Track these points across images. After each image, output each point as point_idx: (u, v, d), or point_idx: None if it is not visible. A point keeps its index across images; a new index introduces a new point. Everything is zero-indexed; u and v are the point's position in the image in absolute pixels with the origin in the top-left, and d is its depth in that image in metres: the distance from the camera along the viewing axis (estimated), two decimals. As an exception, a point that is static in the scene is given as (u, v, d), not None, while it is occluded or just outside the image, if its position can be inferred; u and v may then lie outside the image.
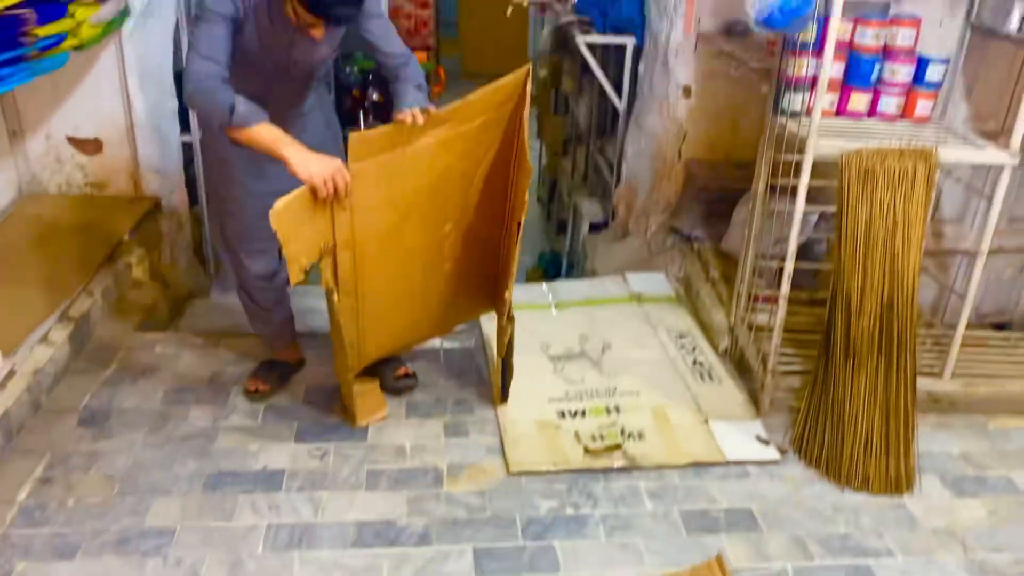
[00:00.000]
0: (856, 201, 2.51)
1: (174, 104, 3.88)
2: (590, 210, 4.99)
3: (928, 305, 3.46)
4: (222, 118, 2.23)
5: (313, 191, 2.24)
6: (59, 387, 2.93)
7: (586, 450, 2.71)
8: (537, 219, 7.56)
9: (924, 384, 2.88)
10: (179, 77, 3.90)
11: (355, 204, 2.38)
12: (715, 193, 3.85)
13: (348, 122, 7.10)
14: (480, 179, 2.66)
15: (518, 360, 2.90)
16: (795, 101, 2.72)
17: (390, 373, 2.98)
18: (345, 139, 2.53)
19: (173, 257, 3.89)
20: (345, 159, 2.32)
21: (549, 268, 5.86)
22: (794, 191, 2.71)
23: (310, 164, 2.23)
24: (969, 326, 2.91)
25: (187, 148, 4.08)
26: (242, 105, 2.22)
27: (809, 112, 2.63)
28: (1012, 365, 3.08)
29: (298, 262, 2.31)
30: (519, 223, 2.65)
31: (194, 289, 4.08)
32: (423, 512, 2.45)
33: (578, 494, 2.55)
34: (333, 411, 2.89)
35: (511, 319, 2.76)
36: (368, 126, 7.66)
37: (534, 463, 2.66)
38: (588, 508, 2.50)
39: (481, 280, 2.96)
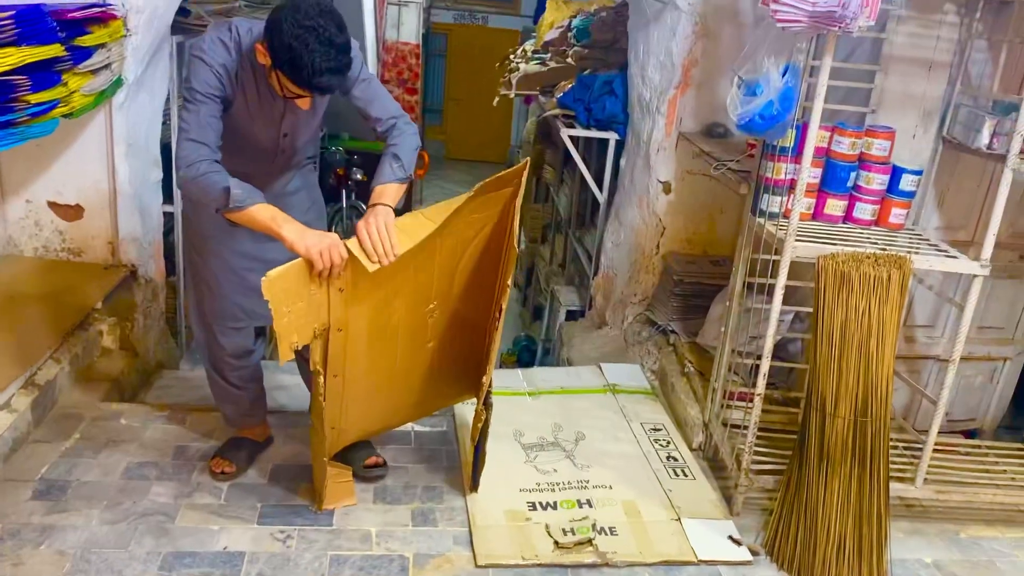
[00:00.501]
0: (832, 304, 2.55)
1: (158, 175, 3.89)
2: (567, 298, 5.03)
3: (900, 410, 3.48)
4: (218, 201, 2.24)
5: (309, 264, 2.23)
6: (16, 456, 2.84)
7: (556, 544, 2.65)
8: (513, 304, 7.59)
9: (896, 489, 2.87)
10: (166, 148, 3.93)
11: (348, 284, 2.38)
12: (692, 287, 3.90)
13: (331, 200, 7.18)
14: (469, 260, 2.67)
15: (490, 447, 2.87)
16: (773, 203, 2.79)
17: (360, 461, 2.91)
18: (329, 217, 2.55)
19: (145, 327, 3.84)
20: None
21: (523, 354, 5.85)
22: (770, 290, 2.74)
23: (307, 238, 2.24)
24: (940, 432, 2.92)
25: (167, 217, 4.08)
26: (237, 187, 2.24)
27: (787, 214, 2.70)
28: (983, 473, 3.08)
29: (289, 339, 2.28)
30: (501, 308, 2.65)
31: (164, 360, 4.01)
32: (386, 603, 2.37)
33: (547, 590, 2.49)
34: (299, 492, 2.81)
35: (489, 405, 2.74)
36: (350, 205, 7.75)
37: (503, 556, 2.59)
38: (556, 605, 2.43)
39: (463, 363, 2.93)
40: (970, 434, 3.65)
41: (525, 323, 7.27)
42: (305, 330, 2.33)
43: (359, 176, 7.80)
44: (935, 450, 2.94)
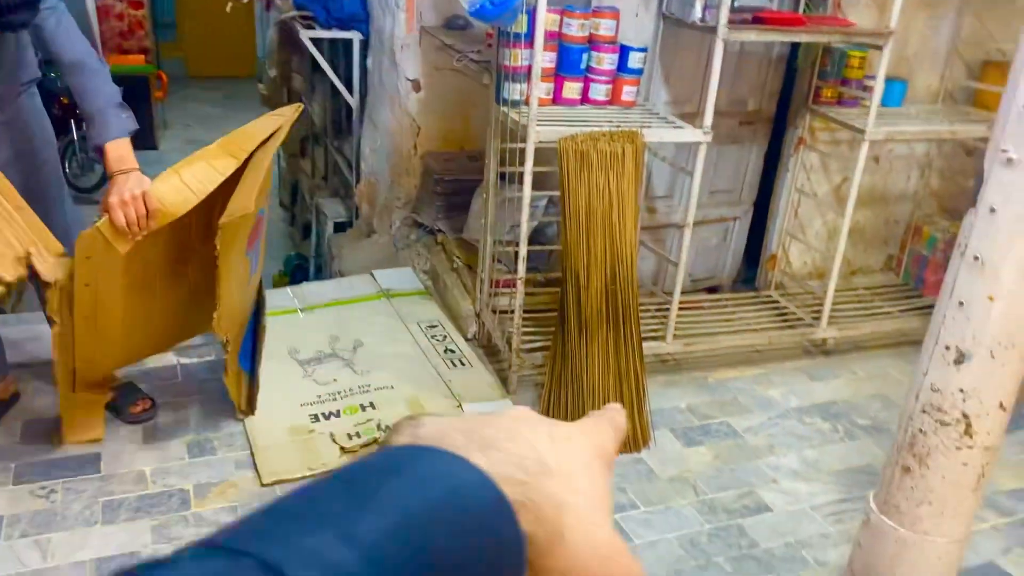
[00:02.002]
0: (575, 183, 2.68)
1: None
2: (333, 210, 4.92)
3: (649, 276, 3.76)
4: None
5: None
6: None
7: (343, 450, 2.67)
8: (280, 224, 7.33)
9: (651, 347, 3.14)
10: None
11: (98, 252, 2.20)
12: (452, 185, 3.94)
13: (59, 132, 6.49)
14: (228, 191, 2.53)
15: (266, 368, 2.80)
16: (514, 91, 2.84)
17: (127, 408, 2.75)
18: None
19: None
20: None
21: (296, 273, 5.70)
22: (523, 178, 2.83)
23: None
24: (686, 291, 3.21)
25: None
26: None
27: (527, 101, 2.76)
28: (724, 323, 3.43)
29: None
30: (217, 232, 2.50)
31: None
32: (170, 538, 2.30)
33: (336, 495, 2.51)
34: (59, 444, 2.62)
35: (262, 328, 2.66)
36: (81, 135, 7.05)
37: (288, 471, 2.58)
38: (348, 508, 2.46)
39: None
40: (712, 290, 4.02)
41: (296, 242, 7.06)
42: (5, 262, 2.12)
43: (89, 104, 7.08)
44: (682, 308, 3.22)
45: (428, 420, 0.38)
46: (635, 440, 2.82)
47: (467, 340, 3.39)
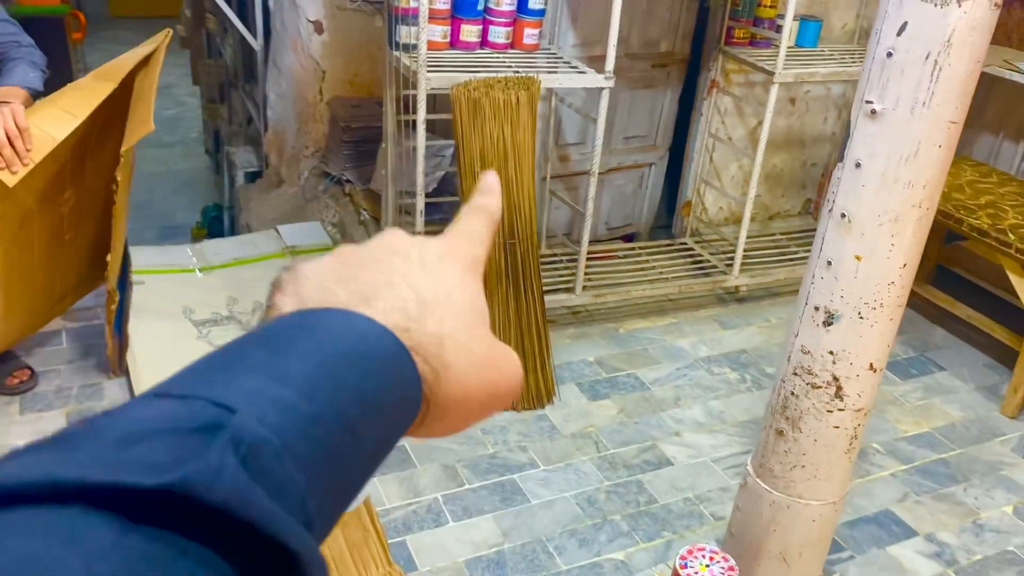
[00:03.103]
0: (469, 133, 2.55)
1: None
2: (244, 159, 4.72)
3: (564, 225, 3.67)
4: None
5: None
6: None
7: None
8: (204, 172, 7.08)
9: (561, 299, 3.06)
10: None
11: None
12: (360, 132, 3.78)
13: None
14: (101, 136, 2.38)
15: (157, 326, 2.68)
16: (407, 34, 2.69)
17: (2, 379, 2.61)
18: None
19: None
20: None
21: (214, 224, 5.50)
22: (428, 125, 2.69)
23: None
24: (602, 240, 3.12)
25: None
26: None
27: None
28: (636, 272, 3.37)
29: None
30: (116, 180, 2.38)
31: None
32: (40, 517, 2.19)
33: (223, 464, 2.41)
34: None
35: (128, 284, 2.53)
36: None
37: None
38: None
39: (105, 248, 2.67)
40: (629, 238, 3.95)
41: (221, 192, 6.83)
42: None
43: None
44: (595, 258, 3.15)
45: (307, 272, 0.41)
46: (538, 396, 2.76)
47: (374, 296, 3.28)
